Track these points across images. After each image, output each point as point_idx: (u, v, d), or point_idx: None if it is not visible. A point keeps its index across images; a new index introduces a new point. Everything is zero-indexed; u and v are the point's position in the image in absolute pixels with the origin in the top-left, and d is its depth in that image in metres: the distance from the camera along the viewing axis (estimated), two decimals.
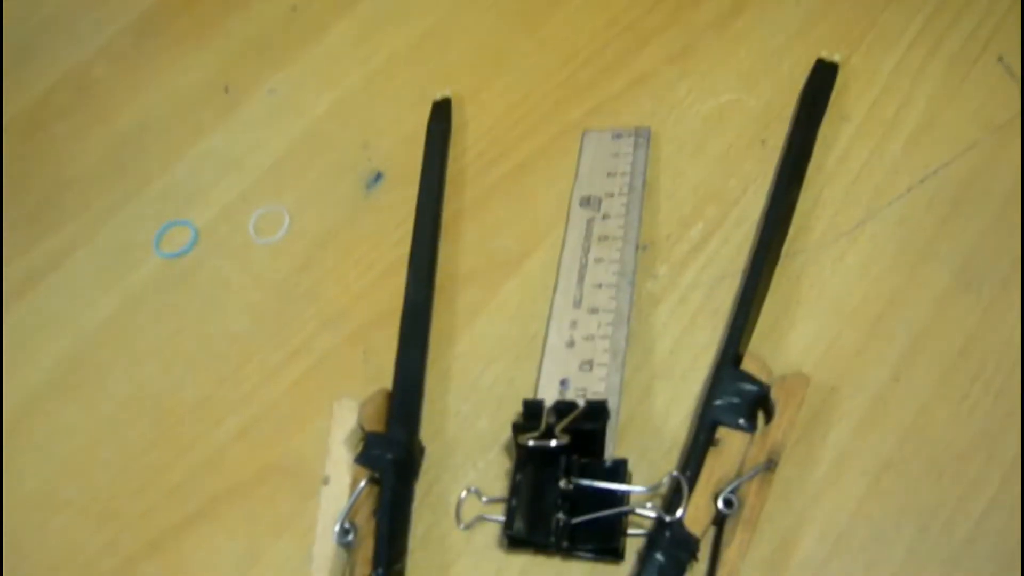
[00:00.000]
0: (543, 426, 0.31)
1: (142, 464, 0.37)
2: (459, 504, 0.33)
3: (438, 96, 0.44)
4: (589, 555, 0.31)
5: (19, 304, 0.42)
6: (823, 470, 0.32)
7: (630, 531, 0.31)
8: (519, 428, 0.32)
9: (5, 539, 0.35)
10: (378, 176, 0.43)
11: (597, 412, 0.32)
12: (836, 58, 0.41)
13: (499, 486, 0.34)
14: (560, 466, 0.32)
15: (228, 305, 0.40)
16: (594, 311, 0.36)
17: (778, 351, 0.35)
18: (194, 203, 0.44)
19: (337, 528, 0.32)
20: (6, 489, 0.37)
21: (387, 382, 0.36)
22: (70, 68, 0.51)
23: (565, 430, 0.31)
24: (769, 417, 0.32)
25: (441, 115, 0.43)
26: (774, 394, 0.32)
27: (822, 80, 0.41)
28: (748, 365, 0.33)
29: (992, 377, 0.33)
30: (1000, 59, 0.41)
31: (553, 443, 0.30)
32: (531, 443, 0.31)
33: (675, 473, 0.31)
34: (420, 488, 0.34)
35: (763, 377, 0.33)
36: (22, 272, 0.43)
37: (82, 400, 0.39)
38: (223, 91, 0.48)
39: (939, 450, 0.32)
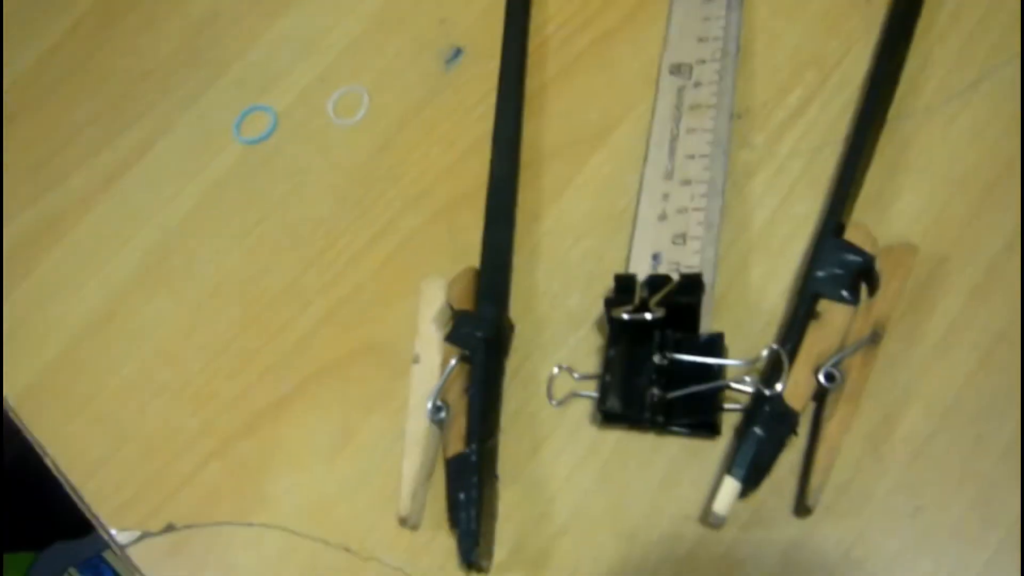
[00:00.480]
0: (636, 300, 0.30)
1: (234, 348, 0.37)
2: (551, 381, 0.33)
3: None
4: (685, 430, 0.31)
5: (105, 198, 0.42)
6: (931, 343, 0.31)
7: (727, 406, 0.31)
8: (611, 302, 0.31)
9: (108, 424, 0.36)
10: (457, 52, 0.41)
11: (692, 285, 0.31)
12: None
13: (591, 363, 0.33)
14: (654, 341, 0.31)
15: (310, 189, 0.40)
16: (687, 183, 0.34)
17: (883, 221, 0.33)
18: (272, 88, 0.43)
19: (430, 405, 0.32)
20: (107, 375, 0.37)
21: (474, 260, 0.35)
22: None
23: (659, 304, 0.30)
24: (873, 289, 0.31)
25: None
26: (879, 265, 0.31)
27: None
28: (851, 235, 0.31)
29: None
30: None
31: (648, 316, 0.30)
32: (625, 316, 0.30)
33: (775, 346, 0.30)
34: (510, 366, 0.34)
35: (867, 247, 0.31)
36: (106, 166, 0.43)
37: (172, 289, 0.39)
38: None
39: None
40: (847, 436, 0.29)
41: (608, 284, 0.32)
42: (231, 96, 0.44)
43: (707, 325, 0.32)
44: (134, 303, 0.39)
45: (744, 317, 0.32)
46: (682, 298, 0.30)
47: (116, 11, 0.48)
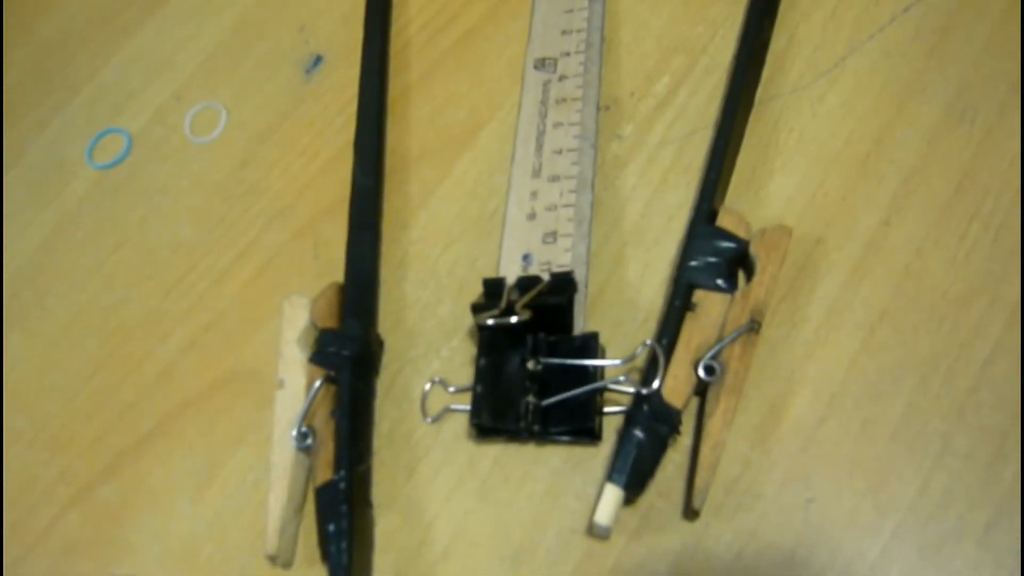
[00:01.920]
0: (503, 304, 0.28)
1: (91, 387, 0.35)
2: (424, 397, 0.31)
3: None
4: (564, 438, 0.29)
5: None
6: (812, 327, 0.30)
7: (607, 409, 0.29)
8: (478, 308, 0.29)
9: None
10: (317, 60, 0.39)
11: (563, 285, 0.29)
12: None
13: (466, 374, 0.31)
14: (527, 346, 0.29)
15: (169, 211, 0.38)
16: (555, 179, 0.33)
17: (757, 204, 0.32)
18: (125, 109, 0.41)
19: (294, 433, 0.30)
20: None
21: (340, 276, 0.33)
22: None
23: (528, 306, 0.29)
24: (750, 275, 0.30)
25: None
26: (753, 249, 0.30)
27: None
28: (724, 221, 0.30)
29: (991, 213, 0.31)
30: None
31: (514, 319, 0.28)
32: (490, 322, 0.28)
33: (649, 342, 0.28)
34: (382, 383, 0.32)
35: (741, 233, 0.30)
36: None
37: (24, 327, 0.36)
38: None
39: (937, 296, 0.30)
40: (731, 430, 0.28)
41: (480, 289, 0.31)
42: (83, 120, 0.41)
43: (582, 325, 0.30)
44: None
45: (622, 314, 0.31)
46: (552, 299, 0.29)
47: None
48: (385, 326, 0.33)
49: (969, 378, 0.29)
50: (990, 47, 0.33)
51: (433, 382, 0.31)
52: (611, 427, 0.29)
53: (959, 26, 0.34)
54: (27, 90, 0.43)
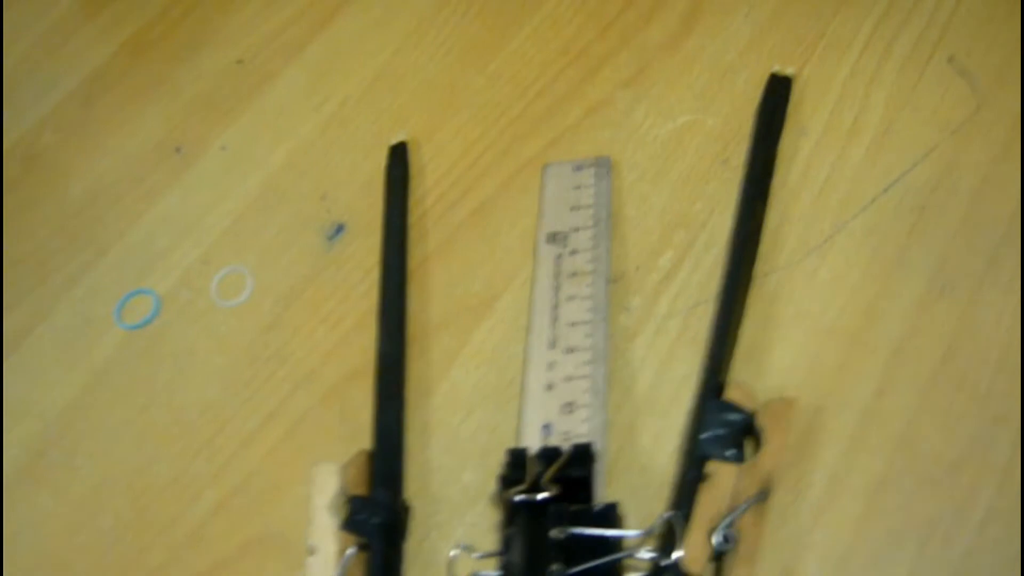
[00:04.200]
0: (529, 477, 0.30)
1: (121, 548, 0.36)
2: (451, 563, 0.32)
3: (394, 140, 0.44)
4: None
5: None
6: (817, 494, 0.32)
7: (629, 575, 0.31)
8: (506, 480, 0.31)
9: None
10: (339, 228, 0.42)
11: (584, 457, 0.31)
12: (789, 71, 0.41)
13: (490, 539, 0.33)
14: (550, 515, 0.31)
15: (196, 373, 0.39)
16: (571, 351, 0.35)
17: (761, 374, 0.34)
18: (153, 270, 0.43)
19: None
20: None
21: (367, 440, 0.35)
22: (16, 139, 0.50)
23: (553, 479, 0.30)
24: (758, 445, 0.32)
25: (398, 159, 0.43)
26: (760, 421, 0.32)
27: (777, 95, 0.40)
28: (731, 393, 0.33)
29: (976, 382, 0.33)
30: (951, 59, 0.41)
31: (540, 496, 0.30)
32: (517, 499, 0.30)
33: (668, 514, 0.30)
34: (409, 549, 0.33)
35: (747, 404, 0.32)
36: None
37: (53, 486, 0.38)
38: (174, 151, 0.47)
39: (931, 462, 0.32)
40: None
41: (501, 456, 0.33)
42: (112, 279, 0.43)
43: (602, 492, 0.32)
44: (12, 502, 0.37)
45: (638, 481, 0.33)
46: (575, 471, 0.31)
47: None
48: (411, 491, 0.34)
49: (966, 541, 0.30)
50: (964, 224, 0.36)
51: (459, 547, 0.32)
52: None
53: (935, 205, 0.37)
54: (56, 247, 0.45)
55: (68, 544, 0.36)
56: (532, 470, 0.31)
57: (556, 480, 0.31)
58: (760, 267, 0.36)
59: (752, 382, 0.33)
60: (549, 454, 0.31)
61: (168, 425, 0.38)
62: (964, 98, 0.40)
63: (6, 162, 0.49)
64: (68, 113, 0.50)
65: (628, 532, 0.31)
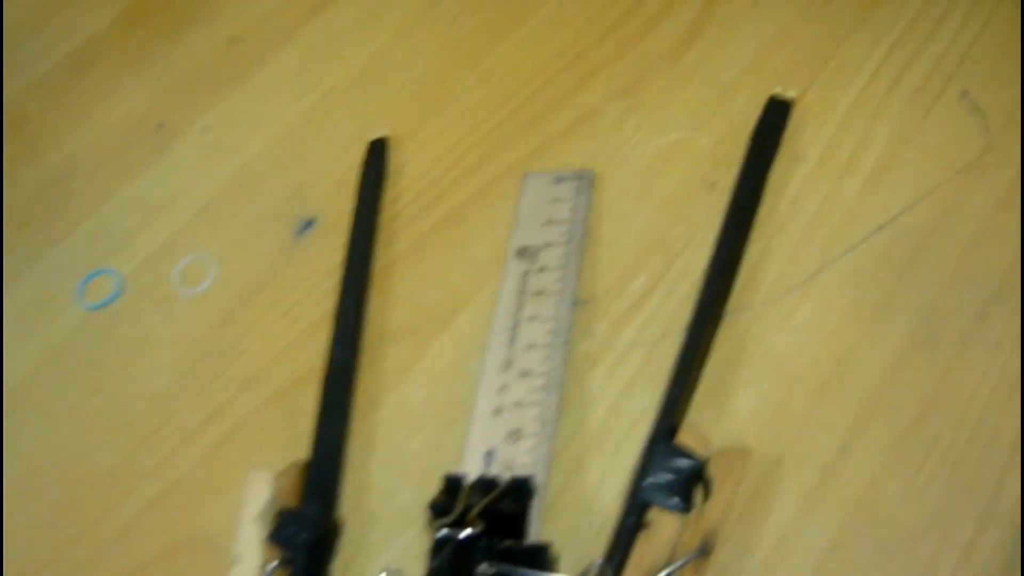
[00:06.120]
0: (458, 510, 0.29)
1: (50, 538, 0.35)
2: None
3: (375, 135, 0.42)
4: None
5: None
6: (764, 554, 0.30)
7: None
8: (436, 509, 0.29)
9: None
10: (309, 223, 0.41)
11: (520, 491, 0.30)
12: (790, 95, 0.39)
13: (419, 567, 0.31)
14: (479, 549, 0.29)
15: (148, 362, 0.38)
16: (525, 375, 0.33)
17: (721, 418, 0.32)
18: (119, 250, 0.42)
19: None
20: None
21: (309, 449, 0.33)
22: (4, 103, 0.49)
23: (483, 513, 0.29)
24: (707, 494, 0.30)
25: (376, 155, 0.41)
26: (711, 470, 0.30)
27: (774, 119, 0.38)
28: (685, 437, 0.31)
29: (949, 447, 0.31)
30: (964, 95, 0.38)
31: (463, 534, 0.28)
32: (440, 533, 0.28)
33: (599, 561, 0.29)
34: (335, 568, 0.32)
35: (700, 450, 0.30)
36: None
37: None
38: (156, 128, 0.46)
39: (889, 530, 0.30)
40: None
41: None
42: (78, 256, 0.42)
43: (538, 529, 0.31)
44: None
45: (578, 520, 0.31)
46: (508, 506, 0.29)
47: None
48: (346, 507, 0.33)
49: None
50: (958, 276, 0.34)
51: (386, 572, 0.31)
52: None
53: (928, 250, 0.35)
54: (29, 217, 0.44)
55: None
56: (463, 502, 0.29)
57: (488, 514, 0.29)
58: (734, 302, 0.35)
59: (709, 426, 0.32)
60: (485, 485, 0.30)
61: (114, 413, 0.37)
62: (973, 138, 0.37)
63: None
64: (57, 81, 0.49)
65: (556, 575, 0.29)
